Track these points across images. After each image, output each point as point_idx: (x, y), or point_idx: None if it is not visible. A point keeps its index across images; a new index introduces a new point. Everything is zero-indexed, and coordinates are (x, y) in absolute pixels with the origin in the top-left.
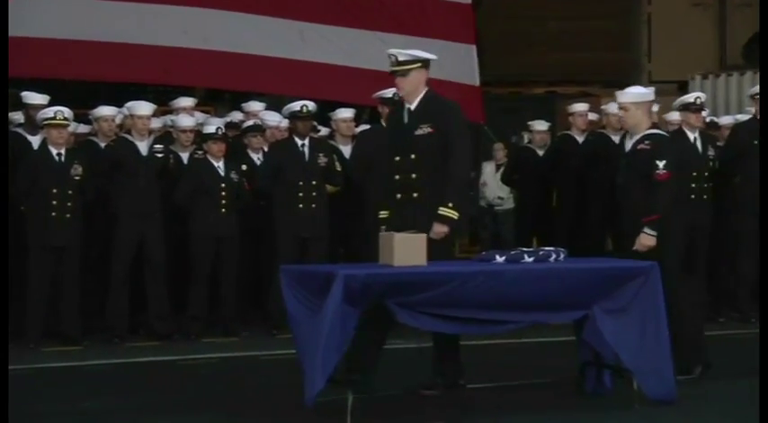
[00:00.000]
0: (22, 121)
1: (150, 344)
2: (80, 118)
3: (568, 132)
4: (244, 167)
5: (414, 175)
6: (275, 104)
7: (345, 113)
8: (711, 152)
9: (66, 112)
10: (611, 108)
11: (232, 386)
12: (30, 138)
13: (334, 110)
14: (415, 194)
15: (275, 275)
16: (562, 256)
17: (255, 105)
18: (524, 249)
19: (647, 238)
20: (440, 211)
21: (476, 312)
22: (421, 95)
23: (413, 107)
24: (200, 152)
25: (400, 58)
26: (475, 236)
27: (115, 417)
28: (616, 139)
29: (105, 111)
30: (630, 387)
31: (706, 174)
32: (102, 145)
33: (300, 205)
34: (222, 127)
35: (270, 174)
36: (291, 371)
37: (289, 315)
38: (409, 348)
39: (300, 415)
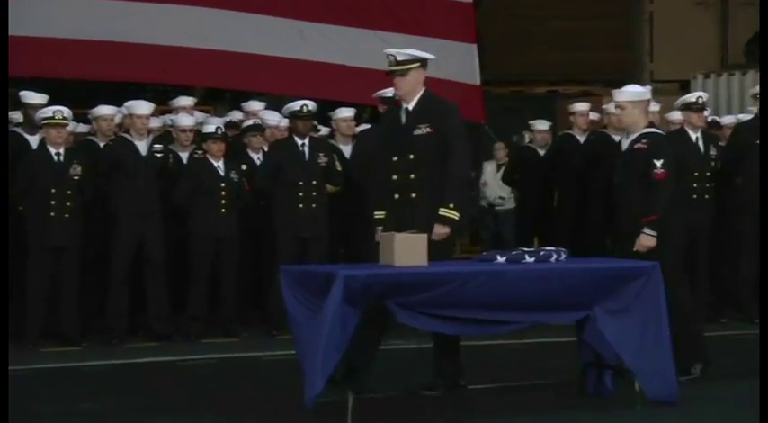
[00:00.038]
0: (21, 120)
1: (149, 344)
2: (79, 117)
3: (570, 132)
4: (243, 167)
5: (412, 176)
6: (275, 104)
7: (346, 113)
8: (713, 152)
9: (65, 111)
10: (613, 108)
11: (232, 387)
12: (28, 137)
13: (334, 109)
14: (413, 195)
15: (275, 276)
16: (563, 256)
17: (255, 105)
18: (525, 249)
19: (647, 239)
20: (440, 213)
21: (476, 313)
22: (419, 95)
23: (410, 107)
24: (199, 152)
25: (399, 58)
26: (476, 236)
27: (114, 418)
28: (617, 138)
29: (104, 110)
30: (632, 388)
31: (708, 174)
32: (102, 145)
33: (300, 205)
34: (222, 126)
35: (270, 173)
36: (292, 372)
37: (289, 315)
38: (409, 349)
39: (300, 416)
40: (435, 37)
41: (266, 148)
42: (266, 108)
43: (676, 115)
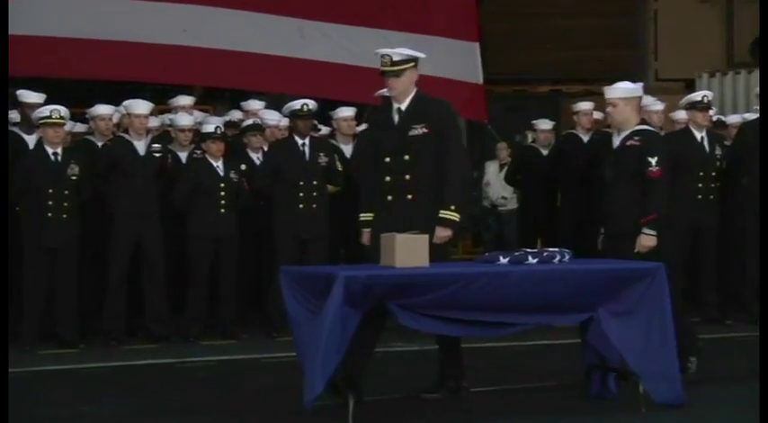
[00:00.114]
0: (18, 120)
1: (148, 346)
2: (77, 117)
3: (573, 131)
4: (243, 167)
5: (407, 177)
6: (275, 103)
7: (346, 112)
8: (718, 151)
9: (63, 110)
10: None
11: (231, 389)
12: (25, 137)
13: (334, 108)
14: (409, 196)
15: (275, 276)
16: (567, 257)
17: (255, 104)
18: (528, 250)
19: (647, 239)
20: (441, 215)
21: (479, 314)
22: (411, 95)
23: (403, 107)
24: (198, 152)
25: (395, 59)
26: (478, 237)
27: (113, 420)
28: None
29: (102, 109)
30: (637, 391)
31: (713, 173)
32: (99, 144)
33: (301, 205)
34: (221, 126)
35: (269, 173)
36: (292, 374)
37: (289, 317)
38: (410, 351)
39: (300, 418)
40: (437, 35)
41: (266, 148)
42: (266, 107)
43: (681, 114)
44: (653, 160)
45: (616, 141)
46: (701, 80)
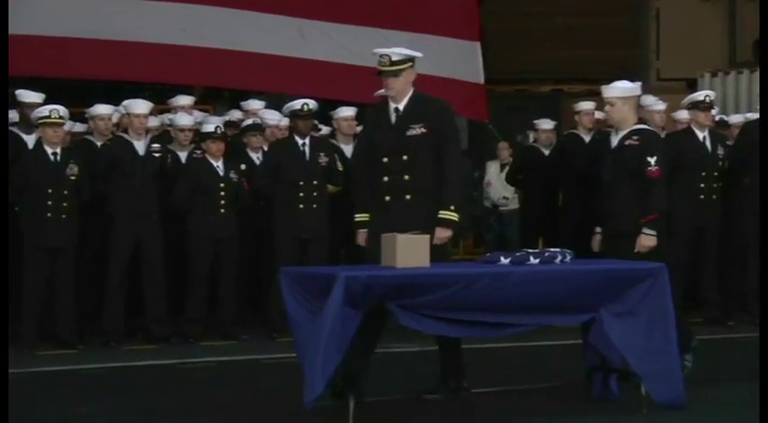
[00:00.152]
0: (17, 119)
1: (147, 347)
2: (76, 116)
3: (574, 131)
4: (243, 167)
5: (406, 177)
6: (275, 103)
7: (347, 112)
8: (721, 151)
9: (62, 110)
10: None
11: (231, 390)
12: (24, 137)
13: (335, 108)
14: (407, 197)
15: (275, 277)
16: (568, 257)
17: (255, 104)
18: (530, 251)
19: (647, 239)
20: (441, 215)
21: (480, 315)
22: (409, 95)
23: (401, 107)
24: (198, 151)
25: (394, 58)
26: (479, 237)
27: (112, 421)
28: None
29: (101, 109)
30: (638, 392)
31: (715, 173)
32: (99, 144)
33: (301, 205)
34: (221, 126)
35: (269, 173)
36: (292, 375)
37: (289, 317)
38: (411, 352)
39: (301, 418)
40: (438, 35)
41: (266, 148)
42: (266, 107)
43: (683, 114)
44: (652, 160)
45: (614, 141)
46: (704, 80)
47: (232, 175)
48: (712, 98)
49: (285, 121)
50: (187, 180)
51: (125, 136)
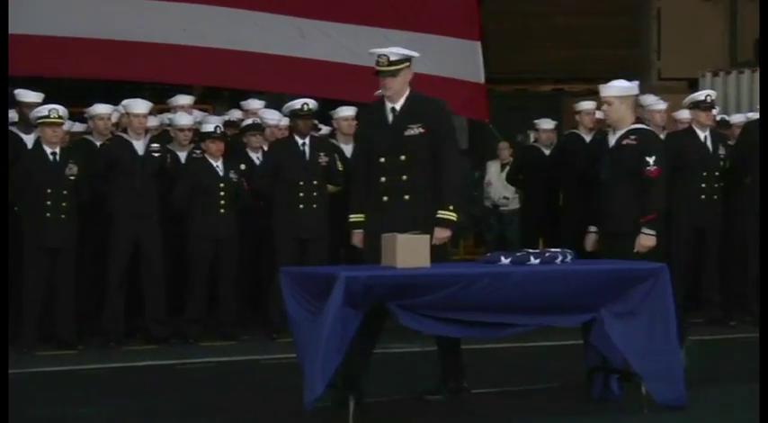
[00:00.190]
0: (16, 119)
1: (147, 347)
2: (75, 116)
3: (575, 131)
4: (243, 167)
5: (404, 177)
6: (275, 102)
7: (347, 112)
8: (722, 151)
9: (61, 110)
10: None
11: (231, 391)
12: (23, 136)
13: (335, 108)
14: (406, 197)
15: (275, 277)
16: (569, 257)
17: (255, 103)
18: (530, 251)
19: (646, 239)
20: (440, 215)
21: (480, 315)
22: (406, 94)
23: (398, 107)
24: (198, 151)
25: (392, 58)
26: (480, 237)
27: (112, 422)
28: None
29: (101, 109)
30: (639, 392)
31: (716, 173)
32: (98, 144)
33: (301, 205)
34: (221, 125)
35: (269, 173)
36: (292, 375)
37: (289, 317)
38: (411, 352)
39: (301, 419)
40: (439, 34)
41: (266, 148)
42: (266, 107)
43: (684, 114)
44: (651, 159)
45: (612, 140)
46: (705, 79)
47: (232, 175)
48: (713, 98)
49: (285, 121)
50: (187, 180)
51: (124, 136)
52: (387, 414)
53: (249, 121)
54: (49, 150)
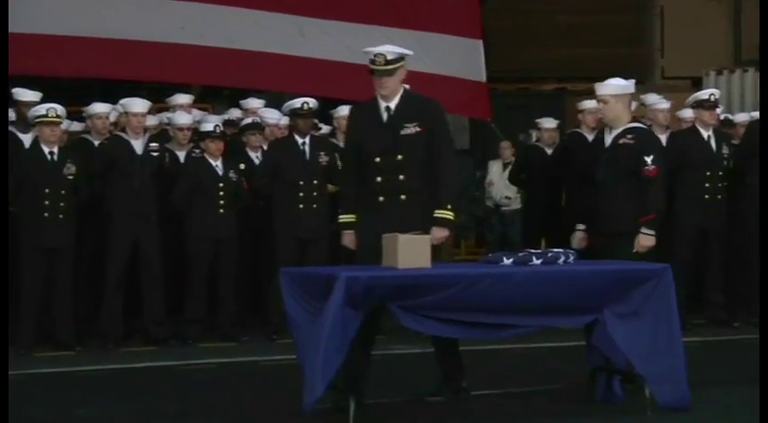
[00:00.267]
0: (14, 118)
1: (146, 349)
2: (73, 115)
3: (578, 130)
4: (242, 167)
5: (401, 177)
6: (275, 102)
7: (347, 111)
8: (726, 151)
9: (59, 109)
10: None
11: (230, 393)
12: (21, 136)
13: (335, 107)
14: (402, 197)
15: (275, 278)
16: (571, 257)
17: (254, 102)
18: (532, 251)
19: (646, 239)
20: (437, 214)
21: (482, 316)
22: (400, 93)
23: (393, 106)
24: (197, 151)
25: (389, 58)
26: (481, 237)
27: None
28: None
29: (99, 108)
30: (642, 394)
31: (720, 173)
32: (96, 143)
33: (301, 205)
34: (220, 125)
35: (269, 173)
36: (292, 376)
37: (289, 318)
38: (412, 353)
39: (301, 420)
40: (440, 32)
41: (265, 147)
42: (266, 106)
43: (688, 113)
44: (649, 159)
45: (608, 139)
46: (708, 78)
47: (231, 174)
48: (717, 97)
49: (285, 120)
50: (186, 180)
51: (123, 135)
52: (387, 415)
53: (249, 121)
54: (46, 150)
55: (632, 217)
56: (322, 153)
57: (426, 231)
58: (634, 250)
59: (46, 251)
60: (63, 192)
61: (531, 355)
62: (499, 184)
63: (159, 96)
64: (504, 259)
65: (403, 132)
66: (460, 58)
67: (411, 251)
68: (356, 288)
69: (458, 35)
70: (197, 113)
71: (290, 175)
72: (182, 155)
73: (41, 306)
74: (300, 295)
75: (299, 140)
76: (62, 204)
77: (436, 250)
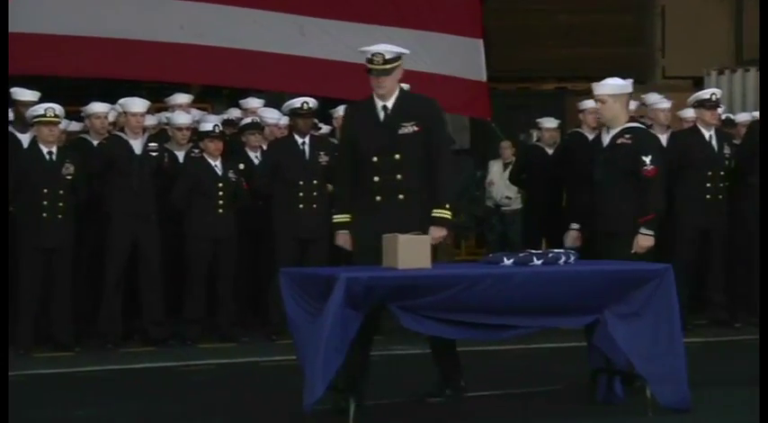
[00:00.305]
0: (12, 118)
1: (145, 349)
2: (71, 115)
3: (579, 130)
4: (242, 166)
5: (399, 176)
6: (274, 101)
7: None
8: (727, 151)
9: (58, 108)
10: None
11: (230, 393)
12: (19, 136)
13: (335, 107)
14: (400, 196)
15: (275, 278)
16: (572, 258)
17: (254, 102)
18: (533, 251)
19: (644, 239)
20: (436, 214)
21: (483, 317)
22: (397, 92)
23: (390, 105)
24: (196, 151)
25: (388, 57)
26: (481, 237)
27: None
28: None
29: (97, 107)
30: (644, 394)
31: (721, 173)
32: (95, 143)
33: (301, 205)
34: (219, 124)
35: (269, 173)
36: (292, 377)
37: (288, 319)
38: (412, 354)
39: (301, 421)
40: (441, 32)
41: (265, 147)
42: (265, 105)
43: (689, 113)
44: (647, 159)
45: (606, 139)
46: (710, 78)
47: (230, 174)
48: (719, 96)
49: (284, 120)
50: (185, 180)
51: (122, 135)
52: (387, 416)
53: (248, 120)
54: (45, 150)
55: (630, 217)
56: (322, 153)
57: (425, 231)
58: (633, 251)
59: (45, 251)
60: (62, 192)
61: (531, 356)
62: (500, 184)
63: (158, 96)
64: (505, 260)
65: (401, 131)
66: (461, 57)
67: (411, 251)
68: (356, 288)
69: (458, 35)
70: (196, 113)
71: (289, 175)
72: (181, 155)
73: (40, 306)
74: (300, 296)
75: (299, 140)
76: (61, 204)
77: (434, 250)
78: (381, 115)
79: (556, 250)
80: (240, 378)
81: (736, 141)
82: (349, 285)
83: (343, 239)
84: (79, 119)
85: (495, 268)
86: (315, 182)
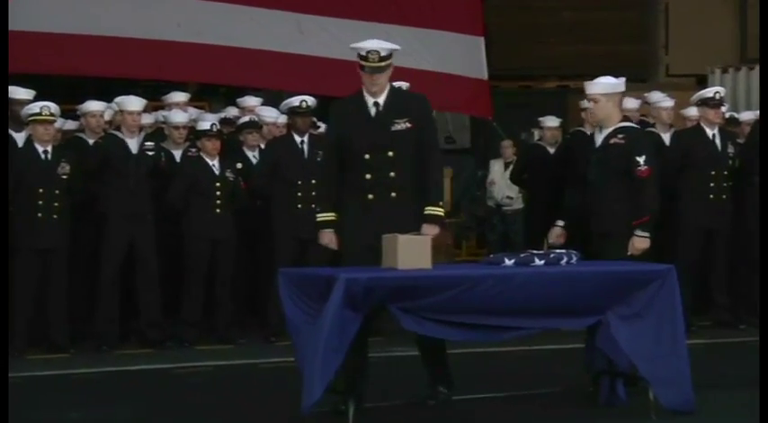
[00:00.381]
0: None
1: (142, 351)
2: (67, 113)
3: (581, 128)
4: (239, 166)
5: (392, 174)
6: (273, 100)
7: None
8: (731, 150)
9: (53, 107)
10: (629, 103)
11: (228, 396)
12: (14, 135)
13: None
14: (393, 194)
15: (273, 279)
16: (574, 258)
17: (251, 101)
18: (534, 252)
19: (640, 241)
20: (428, 211)
21: (483, 318)
22: (387, 89)
23: (381, 101)
24: (193, 150)
25: (383, 54)
26: (482, 237)
27: None
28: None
29: (93, 106)
30: (646, 396)
31: (725, 173)
32: (91, 142)
33: (299, 205)
34: (217, 123)
35: (267, 172)
36: (290, 379)
37: (287, 320)
38: (412, 355)
39: None
40: (441, 29)
41: (263, 146)
42: (263, 104)
43: (693, 111)
44: (641, 159)
45: (598, 139)
46: (714, 76)
47: (228, 173)
48: (722, 95)
49: (283, 119)
50: (182, 179)
51: (118, 134)
52: (387, 418)
53: (246, 119)
54: (40, 149)
55: (623, 217)
56: (321, 152)
57: (418, 229)
58: (629, 253)
59: (40, 252)
60: (57, 191)
61: (532, 358)
62: (501, 183)
63: (155, 94)
64: (506, 260)
65: (394, 128)
66: (462, 55)
67: (411, 252)
68: (356, 289)
69: (459, 32)
70: (193, 112)
71: (288, 174)
72: (178, 154)
73: (35, 307)
74: (299, 297)
75: (298, 139)
76: (56, 204)
77: (434, 251)
78: (373, 111)
79: (557, 251)
80: (238, 380)
81: (740, 140)
82: (348, 286)
83: (329, 238)
84: (75, 117)
85: (496, 269)
86: (314, 181)
